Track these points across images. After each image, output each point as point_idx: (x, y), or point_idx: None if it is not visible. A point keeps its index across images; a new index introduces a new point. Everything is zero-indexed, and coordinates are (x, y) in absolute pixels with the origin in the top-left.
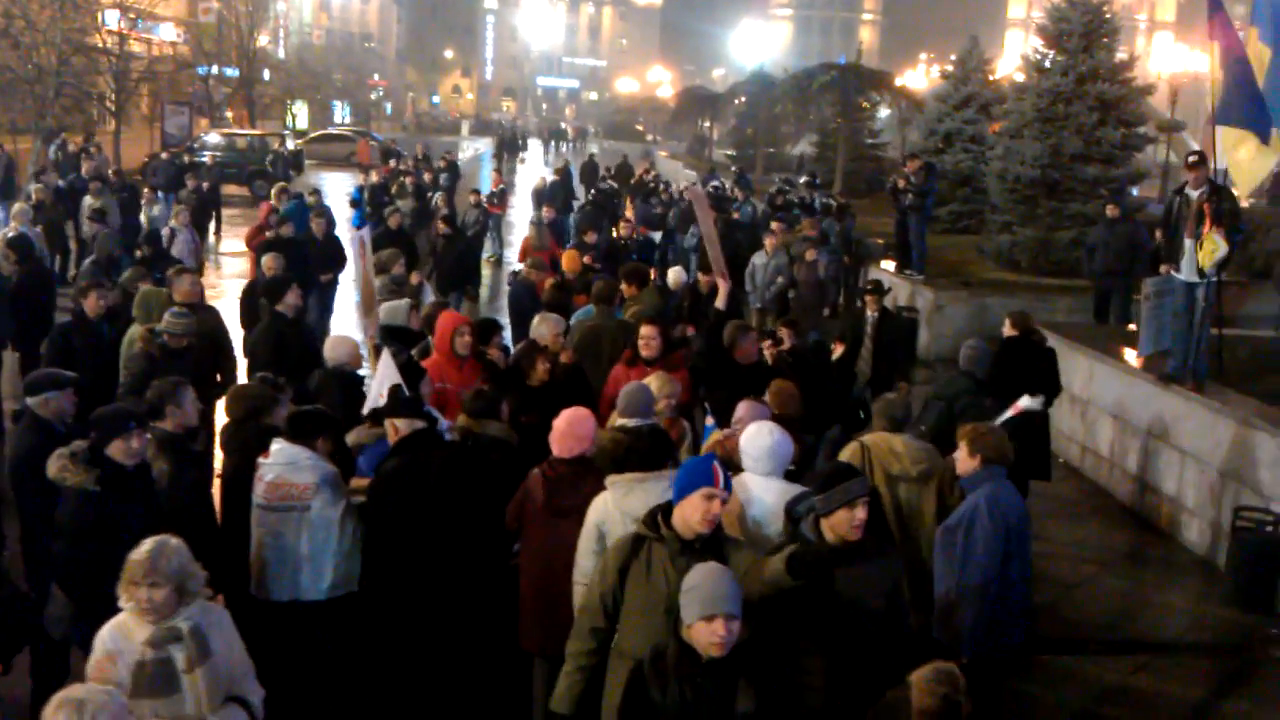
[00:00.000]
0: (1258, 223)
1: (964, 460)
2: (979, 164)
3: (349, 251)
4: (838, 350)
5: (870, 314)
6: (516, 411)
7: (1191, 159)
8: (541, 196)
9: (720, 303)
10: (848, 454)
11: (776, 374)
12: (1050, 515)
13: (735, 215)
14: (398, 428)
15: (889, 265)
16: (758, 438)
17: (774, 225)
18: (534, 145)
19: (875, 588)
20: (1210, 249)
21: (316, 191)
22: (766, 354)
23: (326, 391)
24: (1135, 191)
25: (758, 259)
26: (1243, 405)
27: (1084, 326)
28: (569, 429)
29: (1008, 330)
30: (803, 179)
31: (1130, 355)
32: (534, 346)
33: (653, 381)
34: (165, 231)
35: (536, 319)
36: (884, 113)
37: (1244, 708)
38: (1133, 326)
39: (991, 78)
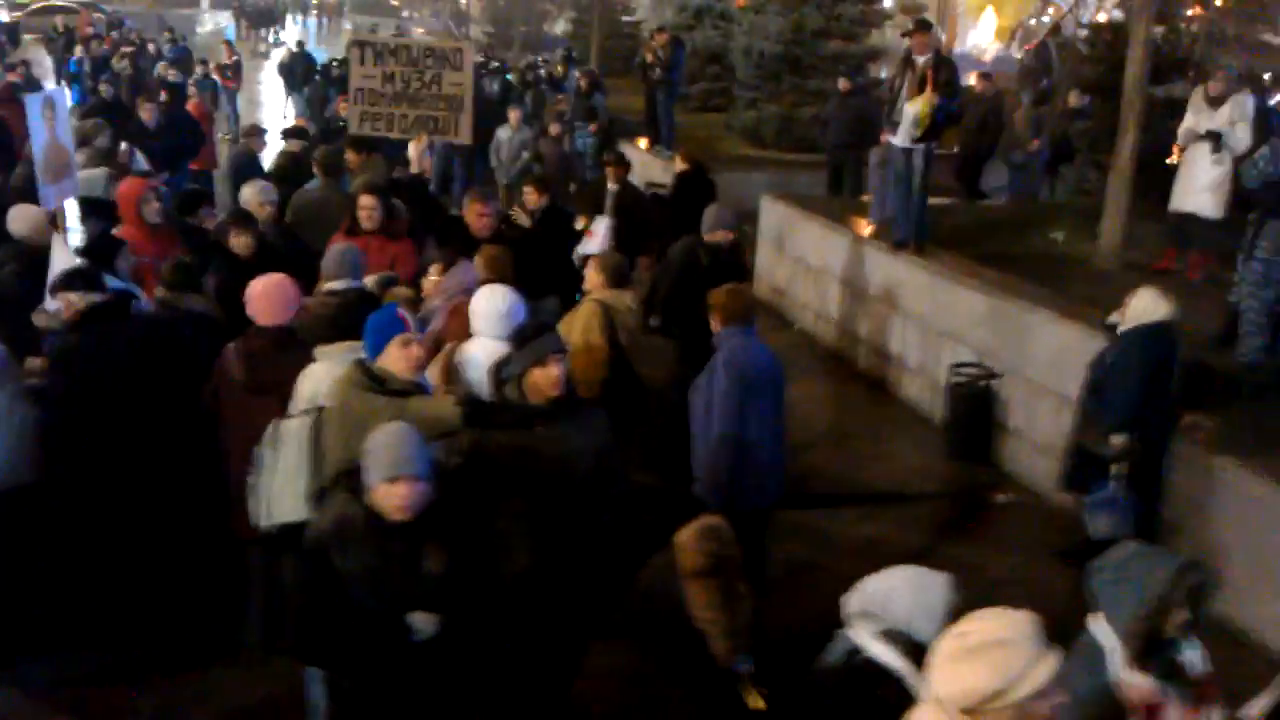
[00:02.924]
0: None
1: (712, 322)
2: (728, 41)
3: (33, 117)
4: (581, 224)
5: (611, 187)
6: (224, 285)
7: (915, 25)
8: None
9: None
10: (586, 311)
11: (497, 240)
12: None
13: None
14: (71, 302)
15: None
16: (483, 301)
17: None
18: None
19: (581, 446)
20: (925, 110)
21: (24, 63)
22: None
23: (3, 267)
24: (884, 72)
25: (502, 134)
26: (958, 267)
27: (818, 198)
28: (265, 294)
29: (679, 166)
30: (558, 54)
31: (859, 224)
32: (238, 214)
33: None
34: None
35: (245, 185)
36: None
37: (959, 551)
38: (866, 197)
39: None
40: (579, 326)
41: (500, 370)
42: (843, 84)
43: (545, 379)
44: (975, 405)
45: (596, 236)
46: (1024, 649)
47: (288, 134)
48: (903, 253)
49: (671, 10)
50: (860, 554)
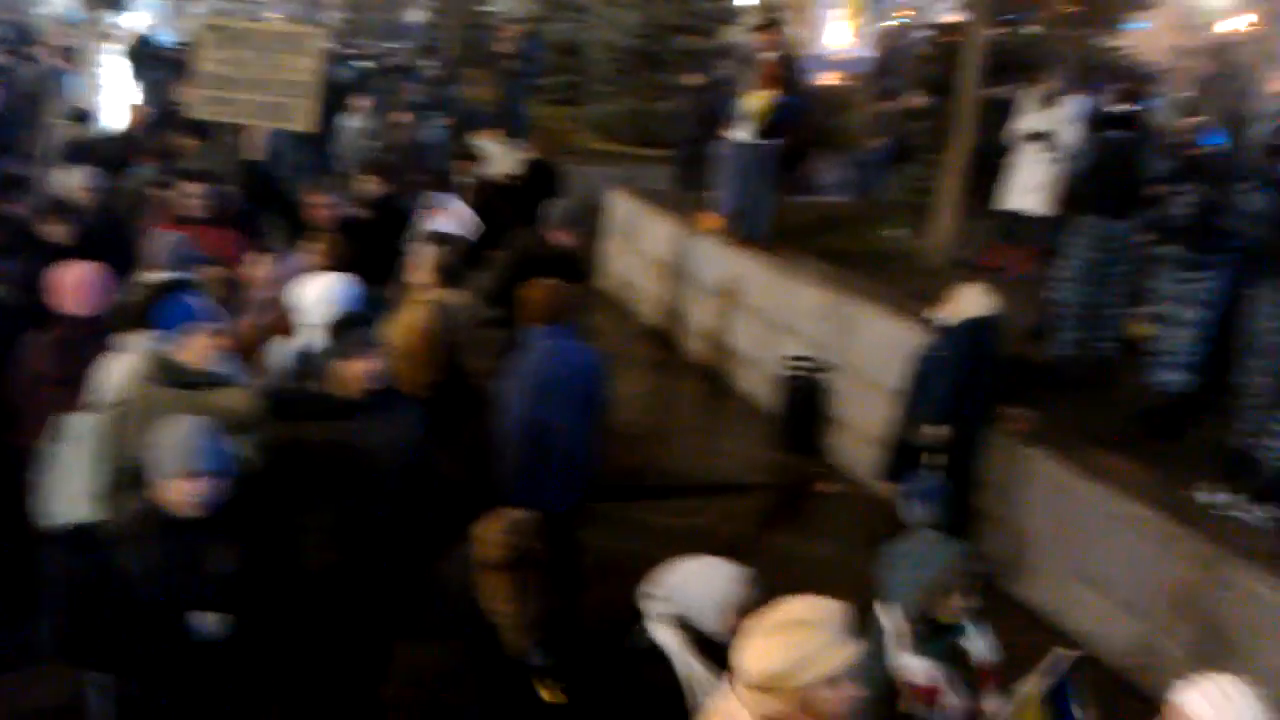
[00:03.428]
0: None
1: (526, 320)
2: (584, 34)
3: None
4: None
5: (464, 180)
6: (33, 273)
7: (763, 22)
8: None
9: None
10: (420, 312)
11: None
12: (627, 373)
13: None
14: None
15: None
16: (308, 289)
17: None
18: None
19: (392, 440)
20: (762, 107)
21: None
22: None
23: None
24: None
25: (348, 121)
26: (796, 261)
27: (667, 192)
28: (76, 283)
29: (531, 152)
30: (414, 43)
31: (705, 219)
32: (54, 200)
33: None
34: None
35: (69, 170)
36: None
37: (783, 539)
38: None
39: None
40: (414, 326)
41: (311, 361)
42: (693, 79)
43: (356, 371)
44: (806, 398)
45: (452, 215)
46: (823, 635)
47: (73, 116)
48: (745, 247)
49: (528, 1)
50: (685, 545)
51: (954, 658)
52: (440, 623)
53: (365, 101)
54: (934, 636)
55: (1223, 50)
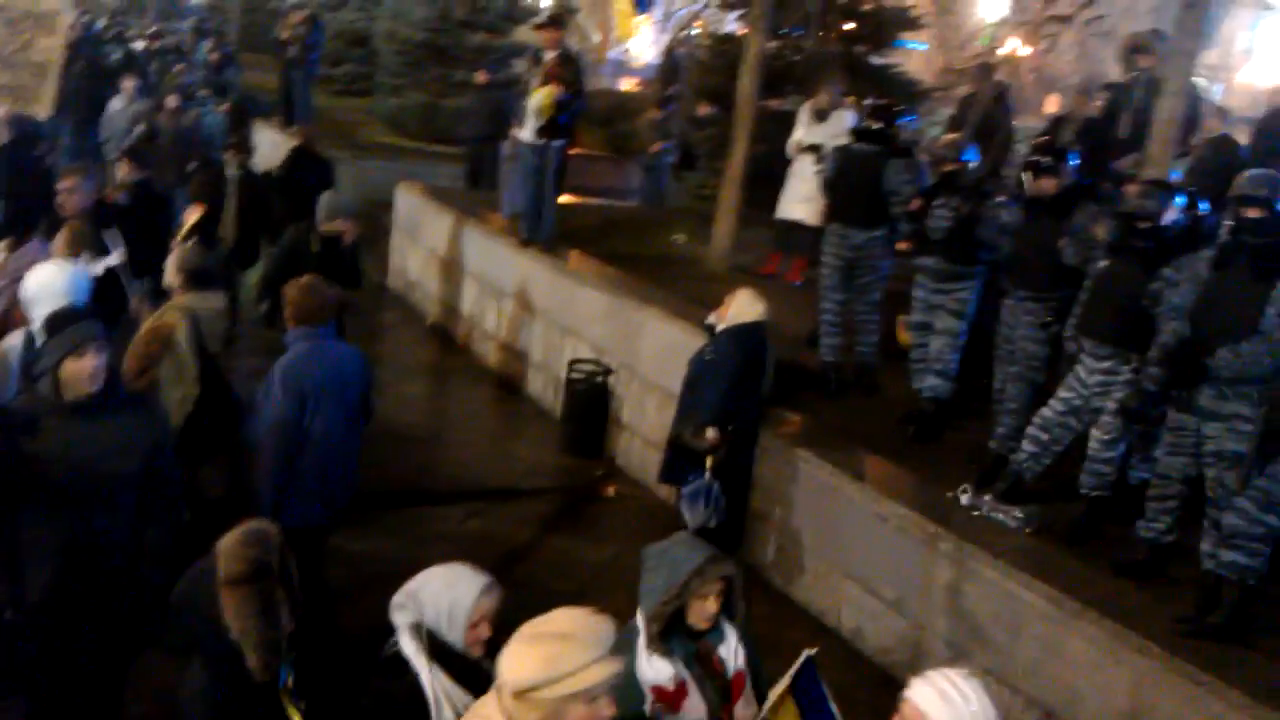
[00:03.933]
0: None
1: (286, 320)
2: (374, 24)
3: None
4: (195, 213)
5: (231, 172)
6: None
7: (544, 20)
8: None
9: None
10: (168, 323)
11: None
12: (412, 374)
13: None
14: None
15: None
16: (35, 280)
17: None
18: None
19: (124, 444)
20: (542, 104)
21: None
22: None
23: None
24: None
25: (114, 104)
26: (581, 264)
27: (454, 190)
28: None
29: (295, 140)
30: (187, 24)
31: (490, 218)
32: None
33: None
34: None
35: None
36: None
37: (563, 543)
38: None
39: None
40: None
41: (33, 363)
42: (480, 76)
43: (80, 371)
44: (591, 401)
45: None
46: (584, 649)
47: None
48: (530, 249)
49: None
50: (464, 550)
51: (705, 662)
52: (185, 640)
53: (129, 83)
54: (684, 640)
55: (987, 71)
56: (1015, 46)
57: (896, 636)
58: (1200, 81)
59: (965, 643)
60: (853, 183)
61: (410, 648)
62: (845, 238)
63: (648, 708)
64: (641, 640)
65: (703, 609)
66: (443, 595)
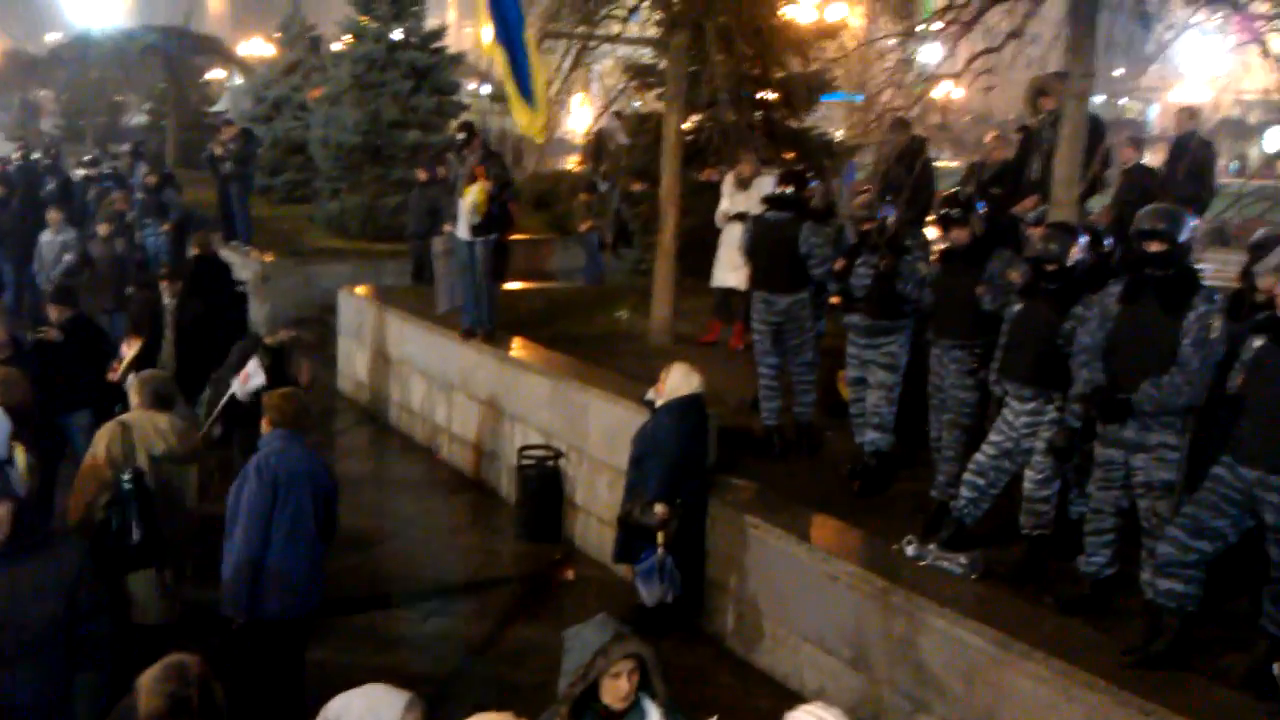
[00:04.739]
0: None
1: (263, 425)
2: (309, 131)
3: None
4: (133, 345)
5: (168, 301)
6: None
7: (462, 131)
8: None
9: None
10: (106, 435)
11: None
12: (366, 475)
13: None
14: None
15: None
16: None
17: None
18: None
19: (41, 588)
20: (475, 201)
21: None
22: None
23: None
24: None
25: (44, 237)
26: (524, 350)
27: (400, 289)
28: None
29: (194, 250)
30: (124, 148)
31: (434, 313)
32: None
33: None
34: None
35: None
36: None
37: (526, 632)
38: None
39: (324, 46)
40: (94, 449)
41: None
42: (419, 174)
43: None
44: (543, 485)
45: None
46: None
47: None
48: (473, 340)
49: (250, 101)
50: (425, 651)
51: None
52: None
53: (54, 214)
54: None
55: (902, 124)
56: (948, 90)
57: (857, 694)
58: (1135, 104)
59: (922, 694)
60: (770, 249)
61: None
62: (770, 304)
63: None
64: None
65: (615, 688)
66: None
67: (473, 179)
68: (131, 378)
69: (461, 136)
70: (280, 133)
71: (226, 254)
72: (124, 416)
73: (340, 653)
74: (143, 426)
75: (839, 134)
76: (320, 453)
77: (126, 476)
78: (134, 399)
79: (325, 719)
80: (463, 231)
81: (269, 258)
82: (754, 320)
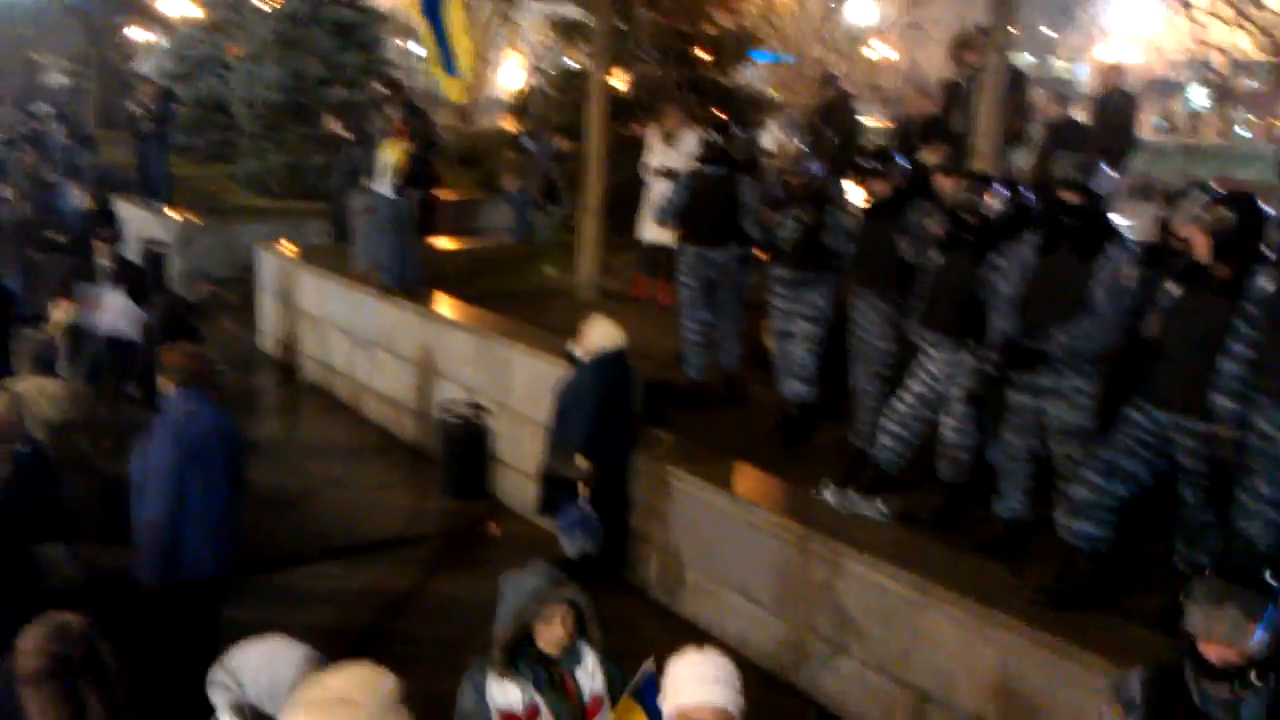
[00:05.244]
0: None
1: (163, 384)
2: (230, 90)
3: None
4: (62, 309)
5: (102, 262)
6: None
7: (385, 85)
8: None
9: None
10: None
11: None
12: (288, 434)
13: None
14: None
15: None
16: None
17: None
18: None
19: None
20: (398, 158)
21: None
22: None
23: None
24: None
25: None
26: (447, 307)
27: (322, 247)
28: None
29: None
30: (47, 109)
31: (353, 271)
32: None
33: None
34: None
35: None
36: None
37: (448, 586)
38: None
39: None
40: None
41: None
42: (333, 124)
43: None
44: (468, 441)
45: (108, 311)
46: (364, 710)
47: None
48: (395, 297)
49: (171, 60)
50: (345, 608)
51: (559, 687)
52: None
53: None
54: (536, 665)
55: (830, 80)
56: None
57: (778, 639)
58: (1062, 63)
59: (842, 638)
60: (706, 204)
61: None
62: (705, 258)
63: None
64: (493, 668)
65: (549, 633)
66: (262, 672)
67: (395, 135)
68: (18, 342)
69: (385, 92)
70: (202, 91)
71: (145, 214)
72: (13, 384)
73: (259, 611)
74: (31, 394)
75: (768, 90)
76: (228, 409)
77: (23, 446)
78: (23, 364)
79: (224, 670)
80: (384, 188)
81: (190, 217)
82: (683, 275)
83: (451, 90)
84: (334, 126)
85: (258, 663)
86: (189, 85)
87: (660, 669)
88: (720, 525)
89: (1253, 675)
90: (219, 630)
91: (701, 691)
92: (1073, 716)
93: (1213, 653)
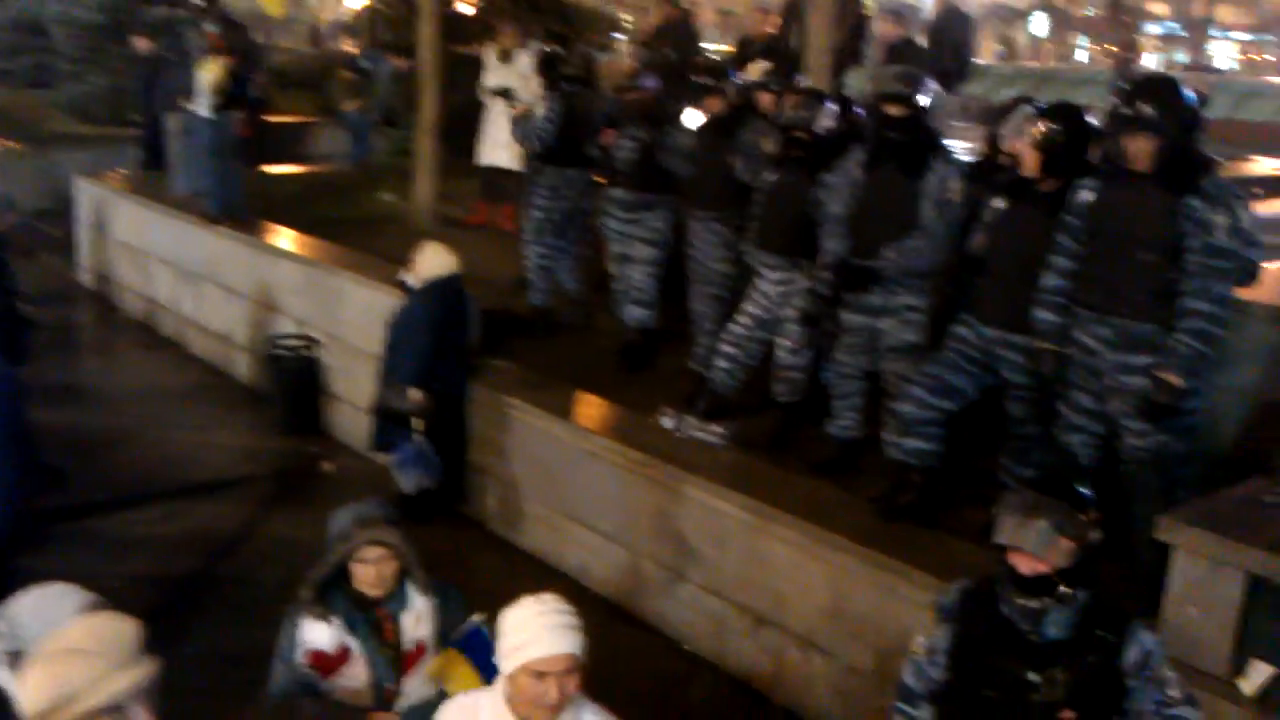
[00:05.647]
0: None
1: None
2: (48, 10)
3: None
4: None
5: None
6: None
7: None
8: None
9: None
10: None
11: None
12: (108, 372)
13: None
14: None
15: None
16: None
17: None
18: None
19: None
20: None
21: None
22: None
23: None
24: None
25: None
26: (275, 236)
27: (137, 175)
28: None
29: None
30: None
31: (171, 198)
32: None
33: None
34: None
35: None
36: None
37: (279, 527)
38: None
39: None
40: None
41: None
42: (140, 43)
43: None
44: (299, 376)
45: None
46: (99, 661)
47: None
48: (220, 226)
49: None
50: (165, 554)
51: (379, 631)
52: None
53: None
54: (351, 607)
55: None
56: None
57: (617, 568)
58: None
59: (679, 563)
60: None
61: (9, 680)
62: (556, 178)
63: (304, 671)
64: (304, 609)
65: (363, 574)
66: (36, 619)
67: (212, 51)
68: None
69: (199, 3)
70: (16, 12)
71: None
72: None
73: (62, 559)
74: None
75: (610, 8)
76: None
77: None
78: None
79: (1, 619)
80: (202, 109)
81: (7, 144)
82: (544, 199)
83: (271, 5)
84: (143, 46)
85: (29, 608)
86: (2, 7)
87: (492, 620)
88: (559, 454)
89: (1062, 587)
90: (9, 580)
91: (550, 641)
92: (901, 632)
93: (1022, 564)
